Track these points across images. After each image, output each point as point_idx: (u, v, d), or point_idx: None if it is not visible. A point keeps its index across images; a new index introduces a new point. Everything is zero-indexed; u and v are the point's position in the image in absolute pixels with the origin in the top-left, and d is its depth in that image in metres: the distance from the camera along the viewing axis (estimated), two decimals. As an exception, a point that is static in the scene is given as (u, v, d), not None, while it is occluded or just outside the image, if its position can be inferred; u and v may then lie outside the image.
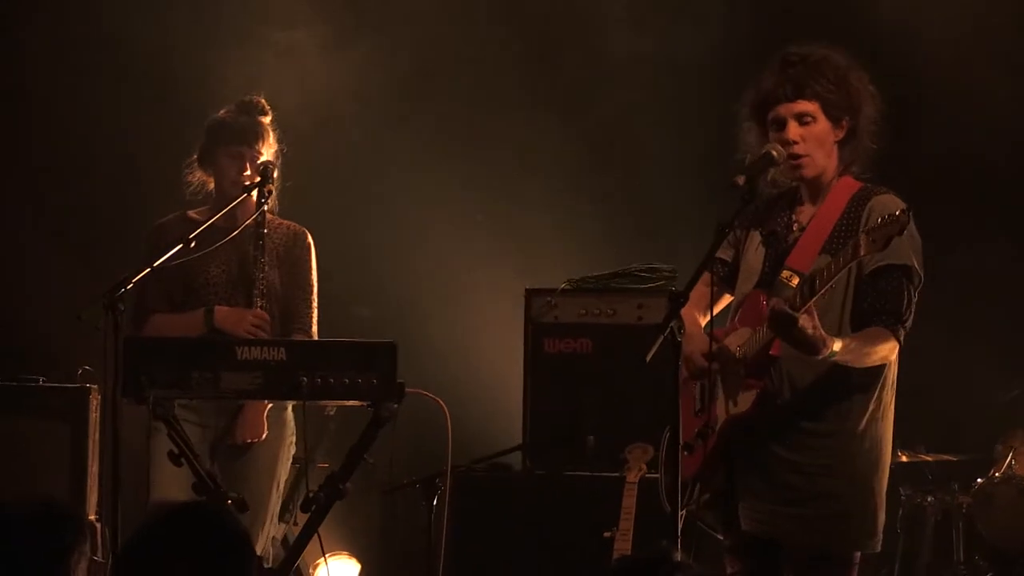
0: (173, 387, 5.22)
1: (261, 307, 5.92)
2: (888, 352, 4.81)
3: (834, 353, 4.67)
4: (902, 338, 4.82)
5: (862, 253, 4.55)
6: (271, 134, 6.03)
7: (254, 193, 5.88)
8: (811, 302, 4.61)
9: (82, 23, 8.11)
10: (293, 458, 6.15)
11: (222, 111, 6.10)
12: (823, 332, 4.63)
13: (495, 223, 8.19)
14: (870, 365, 4.80)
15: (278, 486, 6.03)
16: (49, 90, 8.11)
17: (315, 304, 6.07)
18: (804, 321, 4.59)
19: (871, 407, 4.87)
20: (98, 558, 6.14)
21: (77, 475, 6.81)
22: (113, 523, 5.25)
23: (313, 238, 6.11)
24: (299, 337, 5.93)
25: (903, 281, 4.81)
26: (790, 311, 4.58)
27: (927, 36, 7.65)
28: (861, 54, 5.00)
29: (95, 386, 6.84)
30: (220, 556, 3.37)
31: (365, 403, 5.28)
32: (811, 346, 4.64)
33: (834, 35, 5.03)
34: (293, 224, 6.12)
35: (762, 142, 4.94)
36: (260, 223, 5.92)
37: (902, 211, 4.54)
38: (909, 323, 4.84)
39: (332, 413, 7.24)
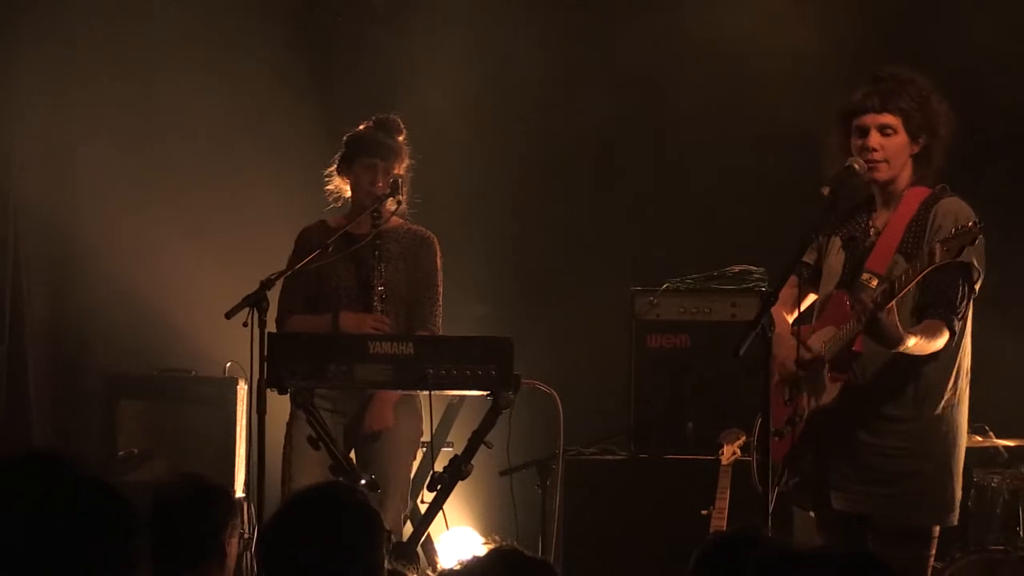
0: (312, 378, 5.55)
1: (381, 311, 6.08)
2: (942, 341, 5.10)
3: (908, 347, 5.01)
4: (956, 328, 5.11)
5: (937, 261, 4.84)
6: (404, 150, 6.26)
7: (386, 203, 6.12)
8: (891, 303, 4.94)
9: (211, 29, 8.20)
10: (421, 442, 6.39)
11: (361, 126, 6.34)
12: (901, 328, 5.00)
13: (600, 228, 8.28)
14: (927, 354, 5.10)
15: (407, 467, 6.21)
16: (194, 96, 8.13)
17: (439, 303, 6.23)
18: (887, 318, 4.94)
19: (947, 394, 5.18)
20: (245, 533, 6.30)
21: (226, 457, 7.18)
22: (259, 501, 5.60)
23: (440, 241, 6.32)
24: (423, 333, 6.06)
25: (959, 277, 5.11)
26: (879, 309, 4.91)
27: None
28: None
29: (241, 378, 7.09)
30: (353, 531, 3.58)
31: (485, 393, 5.60)
32: (892, 340, 4.98)
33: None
34: (421, 229, 6.31)
35: (842, 146, 5.26)
36: (378, 233, 6.11)
37: (975, 223, 4.85)
38: (962, 313, 5.13)
39: (456, 402, 7.41)
